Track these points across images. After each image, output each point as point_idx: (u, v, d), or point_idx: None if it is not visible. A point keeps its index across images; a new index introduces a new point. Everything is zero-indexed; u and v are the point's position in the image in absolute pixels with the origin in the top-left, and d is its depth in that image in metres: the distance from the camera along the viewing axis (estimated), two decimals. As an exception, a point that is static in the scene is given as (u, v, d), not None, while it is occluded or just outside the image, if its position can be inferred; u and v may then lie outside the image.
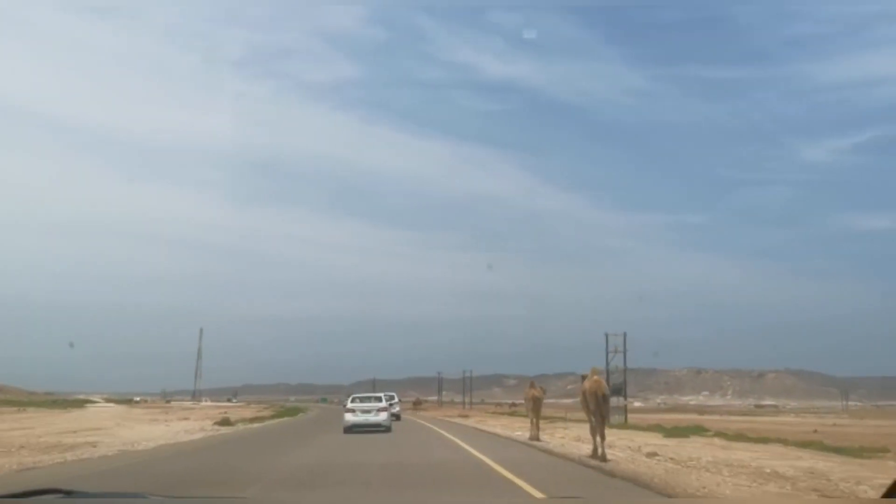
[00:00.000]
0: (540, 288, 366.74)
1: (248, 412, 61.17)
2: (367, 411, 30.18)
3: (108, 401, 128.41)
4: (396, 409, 41.91)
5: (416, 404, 76.97)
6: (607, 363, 43.43)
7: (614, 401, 45.94)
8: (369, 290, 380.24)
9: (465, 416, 55.76)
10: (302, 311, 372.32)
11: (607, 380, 47.60)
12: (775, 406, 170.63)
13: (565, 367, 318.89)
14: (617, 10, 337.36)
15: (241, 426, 31.53)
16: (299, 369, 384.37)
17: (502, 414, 71.96)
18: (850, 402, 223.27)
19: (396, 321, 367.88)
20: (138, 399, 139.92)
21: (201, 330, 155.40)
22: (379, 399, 32.67)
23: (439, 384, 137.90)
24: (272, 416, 47.99)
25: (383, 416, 30.26)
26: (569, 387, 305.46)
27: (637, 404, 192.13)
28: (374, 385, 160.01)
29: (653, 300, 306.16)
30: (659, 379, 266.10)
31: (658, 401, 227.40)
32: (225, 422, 30.79)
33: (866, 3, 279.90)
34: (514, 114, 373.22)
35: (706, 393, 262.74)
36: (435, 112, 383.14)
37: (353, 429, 28.93)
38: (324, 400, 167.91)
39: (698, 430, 29.34)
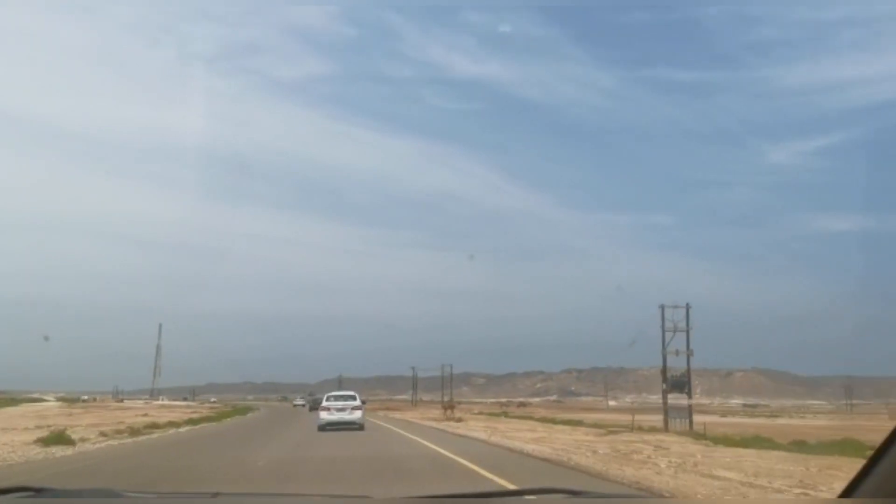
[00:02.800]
0: (506, 286, 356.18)
1: (178, 414, 49.25)
2: (342, 409, 30.62)
3: (59, 399, 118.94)
4: None
5: (449, 408, 59.73)
6: (664, 346, 31.96)
7: (673, 399, 34.51)
8: (335, 287, 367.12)
9: (458, 420, 42.13)
10: (268, 309, 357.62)
11: (664, 370, 35.85)
12: (768, 406, 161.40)
13: (533, 366, 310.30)
14: (587, 12, 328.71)
15: (94, 445, 19.33)
16: (265, 368, 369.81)
17: (496, 415, 58.47)
18: (815, 402, 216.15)
19: (363, 319, 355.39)
20: (86, 398, 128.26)
21: (160, 326, 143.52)
22: (353, 398, 32.20)
23: (414, 382, 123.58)
24: (189, 422, 35.89)
25: (357, 415, 30.73)
26: (537, 385, 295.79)
27: (612, 403, 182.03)
28: (340, 383, 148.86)
29: (620, 299, 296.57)
30: (628, 378, 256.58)
31: (628, 400, 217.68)
32: (57, 438, 18.51)
33: (829, 9, 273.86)
34: (483, 113, 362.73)
35: (674, 392, 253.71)
36: (404, 110, 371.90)
37: (327, 427, 29.37)
38: (285, 398, 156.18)
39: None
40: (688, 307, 32.12)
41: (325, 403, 31.64)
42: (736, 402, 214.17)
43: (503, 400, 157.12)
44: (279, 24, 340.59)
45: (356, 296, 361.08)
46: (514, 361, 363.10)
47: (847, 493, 2.76)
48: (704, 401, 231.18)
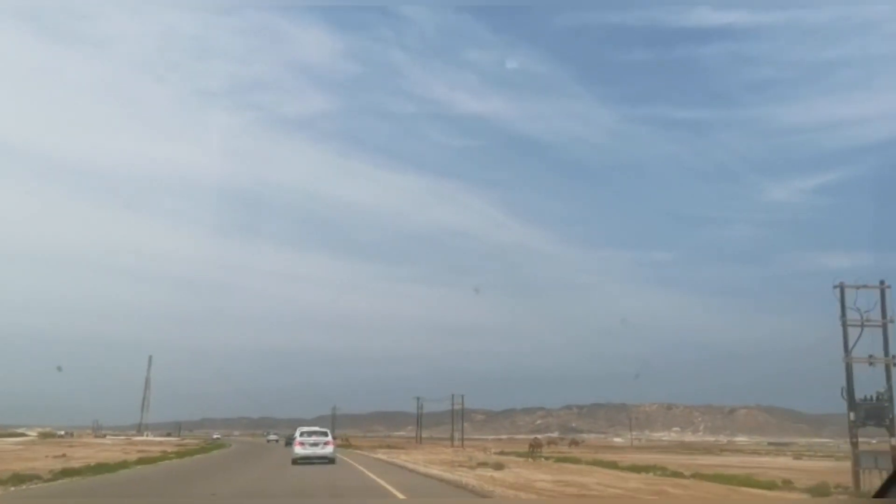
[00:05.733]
0: (507, 322, 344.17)
1: (113, 454, 38.86)
2: (315, 444, 31.19)
3: (40, 434, 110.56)
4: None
5: (537, 446, 46.60)
6: (847, 349, 19.75)
7: (868, 438, 21.84)
8: (334, 322, 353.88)
9: (498, 467, 27.91)
10: (265, 344, 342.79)
11: (849, 389, 22.76)
12: (795, 443, 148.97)
13: (532, 402, 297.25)
14: (588, 51, 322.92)
15: None
16: (262, 402, 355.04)
17: (524, 455, 42.15)
18: (822, 440, 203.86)
19: (360, 355, 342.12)
20: (62, 433, 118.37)
21: (150, 358, 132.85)
22: (325, 434, 32.55)
23: (419, 416, 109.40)
24: (84, 470, 25.28)
25: (329, 449, 31.16)
26: (538, 422, 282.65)
27: (618, 440, 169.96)
28: (334, 418, 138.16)
29: (620, 335, 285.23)
30: (630, 414, 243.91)
31: (630, 437, 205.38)
32: None
33: (825, 49, 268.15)
34: (486, 149, 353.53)
35: (677, 429, 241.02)
36: (408, 146, 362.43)
37: (300, 460, 30.15)
38: (278, 433, 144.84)
39: None
40: (883, 287, 19.74)
41: (298, 439, 31.89)
42: (742, 439, 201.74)
43: (546, 435, 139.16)
44: (285, 61, 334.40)
45: (355, 331, 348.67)
46: (513, 397, 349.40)
47: (881, 493, 2.76)
48: (709, 438, 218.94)
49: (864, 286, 19.27)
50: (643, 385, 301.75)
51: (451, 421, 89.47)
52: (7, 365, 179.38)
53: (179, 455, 41.16)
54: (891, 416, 19.10)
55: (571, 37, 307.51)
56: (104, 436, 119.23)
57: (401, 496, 16.76)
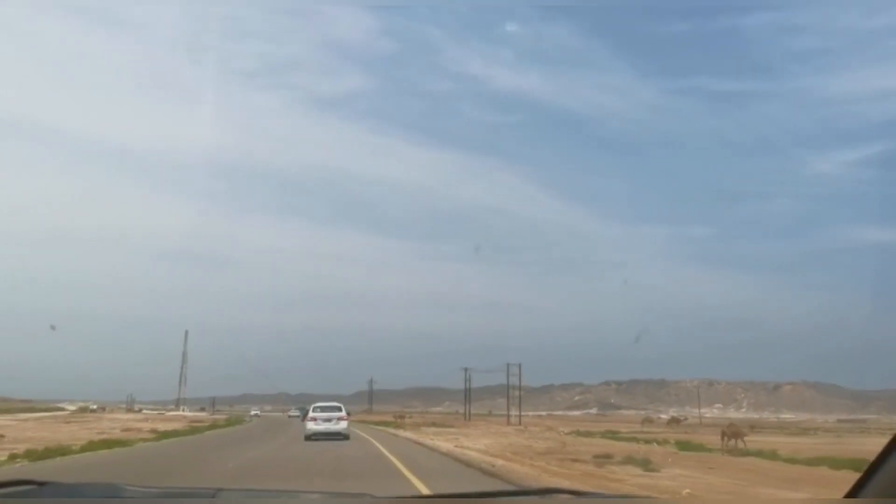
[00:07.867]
0: (544, 298, 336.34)
1: (88, 434, 32.93)
2: (328, 420, 30.23)
3: (80, 409, 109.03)
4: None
5: (735, 436, 30.33)
6: None
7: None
8: (371, 299, 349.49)
9: (646, 464, 18.19)
10: (304, 321, 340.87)
11: None
12: (865, 421, 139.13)
13: (570, 378, 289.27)
14: (626, 23, 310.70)
15: None
16: (301, 379, 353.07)
17: (623, 438, 34.35)
18: (868, 416, 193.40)
19: (398, 331, 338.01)
20: (94, 407, 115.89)
21: (186, 332, 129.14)
22: (339, 409, 31.43)
23: (467, 391, 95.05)
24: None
25: (343, 425, 30.16)
26: (576, 398, 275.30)
27: (661, 416, 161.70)
28: (371, 393, 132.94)
29: (660, 311, 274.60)
30: (670, 391, 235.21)
31: (671, 413, 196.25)
32: None
33: (873, 18, 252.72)
34: (522, 125, 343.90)
35: (719, 405, 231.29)
36: (442, 123, 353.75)
37: (313, 437, 28.87)
38: (302, 409, 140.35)
39: None
40: None
41: (311, 414, 31.24)
42: (787, 416, 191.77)
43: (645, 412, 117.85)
44: (320, 39, 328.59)
45: (392, 308, 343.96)
46: (551, 374, 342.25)
47: (852, 493, 2.66)
48: (753, 415, 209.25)
49: None
50: (684, 362, 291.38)
51: (507, 394, 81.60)
52: (54, 343, 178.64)
53: (167, 436, 34.48)
54: None
55: (609, 9, 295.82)
56: (139, 410, 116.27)
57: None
